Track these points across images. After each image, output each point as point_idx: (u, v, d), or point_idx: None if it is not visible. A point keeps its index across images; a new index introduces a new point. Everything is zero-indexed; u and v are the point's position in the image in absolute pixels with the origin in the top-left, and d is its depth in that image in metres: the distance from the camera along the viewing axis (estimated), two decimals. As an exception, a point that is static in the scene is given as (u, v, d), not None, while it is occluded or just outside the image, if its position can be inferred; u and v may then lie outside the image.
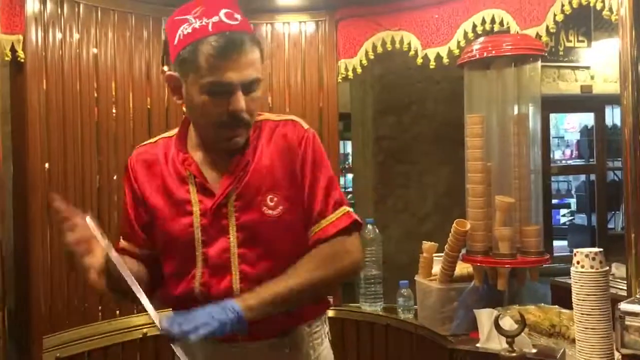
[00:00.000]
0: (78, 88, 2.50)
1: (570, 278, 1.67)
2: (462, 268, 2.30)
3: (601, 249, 1.65)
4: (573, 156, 8.97)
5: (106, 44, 2.60)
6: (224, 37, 1.25)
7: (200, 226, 1.35)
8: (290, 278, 1.29)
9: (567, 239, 7.67)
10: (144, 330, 2.60)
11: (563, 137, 9.42)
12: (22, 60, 2.30)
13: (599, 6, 2.02)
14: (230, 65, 1.24)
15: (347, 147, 6.62)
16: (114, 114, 2.63)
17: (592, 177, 7.27)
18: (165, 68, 1.37)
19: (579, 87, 6.86)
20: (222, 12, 1.27)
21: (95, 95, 2.57)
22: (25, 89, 2.33)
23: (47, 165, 2.40)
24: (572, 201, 9.18)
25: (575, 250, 1.67)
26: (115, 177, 2.60)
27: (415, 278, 2.45)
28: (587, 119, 8.43)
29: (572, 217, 8.93)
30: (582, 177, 8.51)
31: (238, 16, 1.30)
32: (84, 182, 2.51)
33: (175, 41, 1.29)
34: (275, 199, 1.35)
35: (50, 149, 2.41)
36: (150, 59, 2.72)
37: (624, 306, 1.53)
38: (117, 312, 2.57)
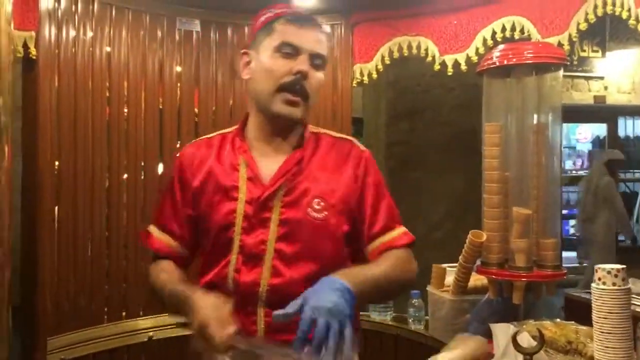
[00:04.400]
0: (90, 86, 2.48)
1: (584, 291, 1.62)
2: (476, 280, 2.25)
3: (624, 266, 1.59)
4: (584, 167, 8.88)
5: (120, 43, 2.57)
6: (300, 14, 1.44)
7: (243, 213, 1.37)
8: (377, 267, 1.35)
9: (577, 250, 7.59)
10: (150, 333, 2.56)
11: (574, 148, 9.33)
12: (34, 57, 2.28)
13: (624, 15, 1.97)
14: (302, 32, 1.38)
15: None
16: (126, 114, 2.60)
17: (603, 188, 7.18)
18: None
19: (592, 97, 6.80)
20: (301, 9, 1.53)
21: (107, 94, 2.54)
22: (37, 86, 2.31)
23: (57, 163, 2.37)
24: (582, 212, 9.09)
25: (596, 267, 1.61)
26: (125, 177, 2.58)
27: (427, 288, 2.40)
28: (599, 129, 8.35)
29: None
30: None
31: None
32: (94, 181, 2.48)
33: (257, 24, 1.44)
34: (322, 204, 1.38)
35: (60, 147, 2.38)
36: (163, 59, 2.69)
37: (647, 325, 1.48)
38: (124, 314, 2.54)
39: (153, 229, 1.48)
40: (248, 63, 1.43)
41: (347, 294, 1.17)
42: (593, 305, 1.61)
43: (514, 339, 1.53)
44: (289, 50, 1.36)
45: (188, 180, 1.44)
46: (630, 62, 6.77)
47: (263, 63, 1.39)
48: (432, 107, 3.73)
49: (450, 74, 2.57)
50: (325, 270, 1.30)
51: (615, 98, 6.90)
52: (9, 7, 1.54)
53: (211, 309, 1.22)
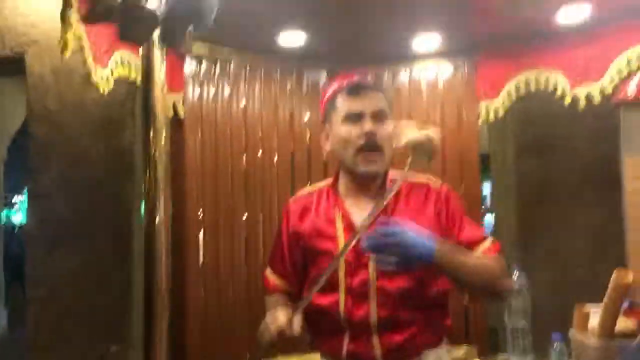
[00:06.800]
0: (229, 138, 2.67)
1: None
2: (624, 322, 2.11)
3: None
4: None
5: (253, 97, 2.75)
6: (354, 84, 1.63)
7: (345, 259, 1.55)
8: (467, 256, 1.50)
9: None
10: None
11: None
12: (182, 118, 2.49)
13: None
14: (359, 99, 1.59)
15: (484, 189, 6.38)
16: (261, 161, 2.76)
17: None
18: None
19: None
20: (357, 76, 1.68)
21: (244, 143, 2.72)
22: (184, 141, 2.52)
23: (200, 212, 2.57)
24: None
25: None
26: (261, 217, 2.73)
27: (569, 332, 2.27)
28: None
29: None
30: None
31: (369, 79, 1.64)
32: (234, 226, 2.65)
33: (324, 101, 1.68)
34: None
35: (204, 197, 2.58)
36: (293, 108, 2.84)
37: None
38: None
39: (267, 271, 1.74)
40: (326, 137, 1.65)
41: (428, 240, 1.39)
42: None
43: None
44: (353, 117, 1.57)
45: (294, 230, 1.65)
46: None
47: (337, 135, 1.60)
48: (561, 138, 3.56)
49: (582, 108, 2.47)
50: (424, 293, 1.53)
51: None
52: (162, 75, 1.71)
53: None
